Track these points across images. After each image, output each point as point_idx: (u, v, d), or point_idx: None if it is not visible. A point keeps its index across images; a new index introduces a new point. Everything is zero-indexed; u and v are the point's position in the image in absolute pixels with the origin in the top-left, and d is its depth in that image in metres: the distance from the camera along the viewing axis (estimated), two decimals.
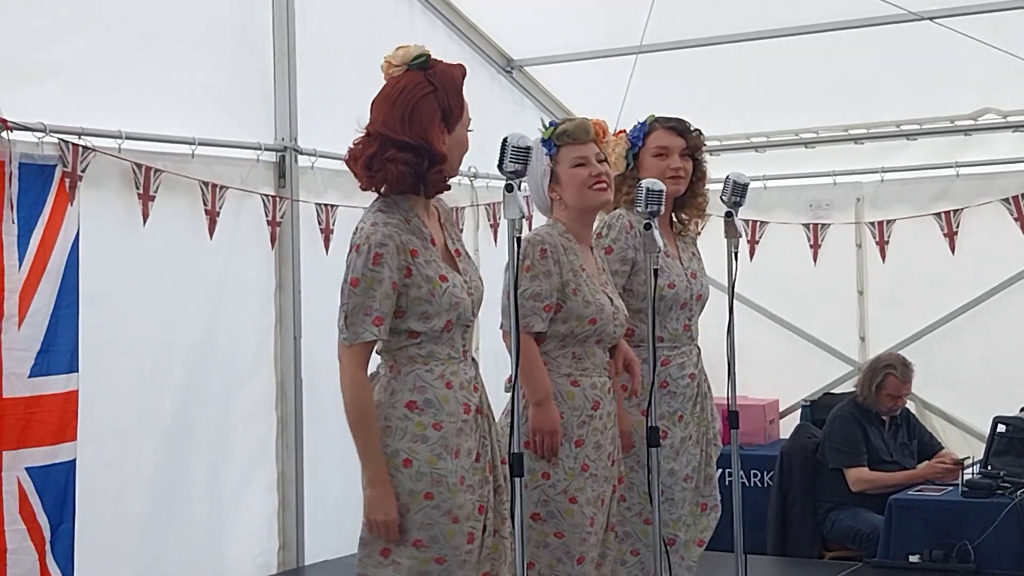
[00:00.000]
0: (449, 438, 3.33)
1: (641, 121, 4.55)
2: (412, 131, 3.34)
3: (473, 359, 3.50)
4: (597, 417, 3.92)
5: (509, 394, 3.69)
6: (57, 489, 4.84)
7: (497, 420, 3.62)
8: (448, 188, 3.46)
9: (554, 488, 3.86)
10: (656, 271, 4.09)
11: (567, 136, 4.03)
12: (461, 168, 3.54)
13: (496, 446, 3.49)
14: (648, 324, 4.14)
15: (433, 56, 3.42)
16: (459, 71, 3.45)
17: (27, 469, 4.72)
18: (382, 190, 3.41)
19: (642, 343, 4.26)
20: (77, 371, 4.93)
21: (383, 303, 3.28)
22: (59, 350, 4.86)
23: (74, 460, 4.91)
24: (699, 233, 4.72)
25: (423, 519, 3.29)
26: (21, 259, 4.74)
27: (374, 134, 3.37)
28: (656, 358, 4.22)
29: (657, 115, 4.57)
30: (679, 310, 4.42)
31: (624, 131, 4.55)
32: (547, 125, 4.09)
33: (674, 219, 4.60)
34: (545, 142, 4.02)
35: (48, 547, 4.79)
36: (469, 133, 3.47)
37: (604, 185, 4.03)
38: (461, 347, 3.42)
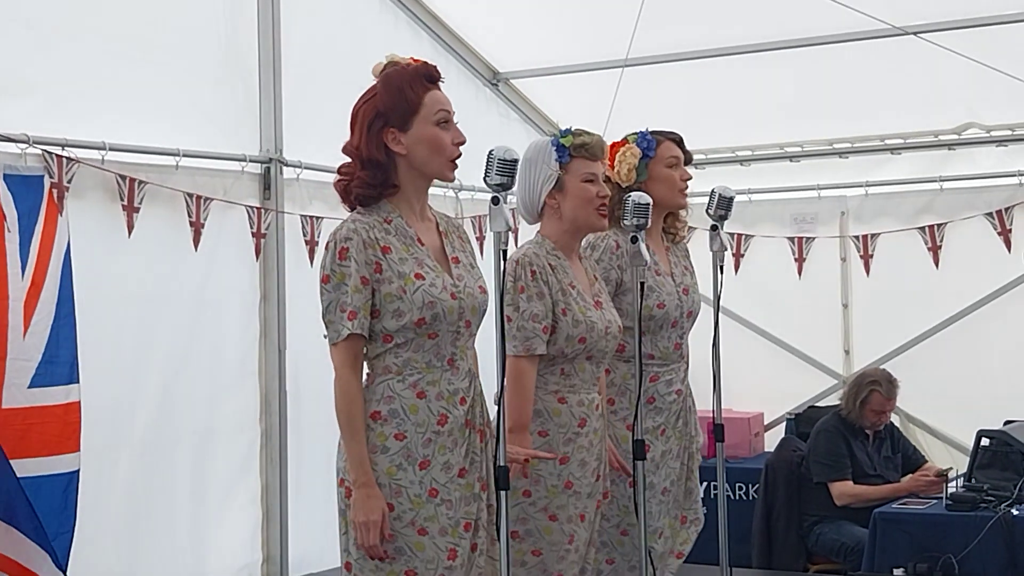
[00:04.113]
0: (413, 449, 3.27)
1: (641, 132, 4.45)
2: (353, 142, 3.35)
3: (469, 371, 3.41)
4: (584, 434, 3.89)
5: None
6: (53, 501, 4.79)
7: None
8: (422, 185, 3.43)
9: (534, 506, 3.83)
10: (643, 284, 4.07)
11: (584, 149, 3.97)
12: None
13: (491, 464, 3.40)
14: (635, 339, 4.12)
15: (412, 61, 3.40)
16: (413, 68, 3.36)
17: (20, 479, 4.67)
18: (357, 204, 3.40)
19: (632, 358, 4.24)
20: (78, 382, 4.91)
21: (354, 297, 3.24)
22: (60, 361, 4.84)
23: (76, 471, 4.87)
24: (686, 239, 4.67)
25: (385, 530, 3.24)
26: (24, 268, 4.72)
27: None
28: (644, 374, 4.21)
29: (651, 129, 4.50)
30: (670, 329, 4.38)
31: (625, 142, 4.46)
32: (562, 132, 4.00)
33: (664, 231, 4.55)
34: (560, 148, 3.95)
35: (46, 557, 4.74)
36: (443, 128, 3.36)
37: (606, 211, 4.02)
38: (448, 355, 3.34)
